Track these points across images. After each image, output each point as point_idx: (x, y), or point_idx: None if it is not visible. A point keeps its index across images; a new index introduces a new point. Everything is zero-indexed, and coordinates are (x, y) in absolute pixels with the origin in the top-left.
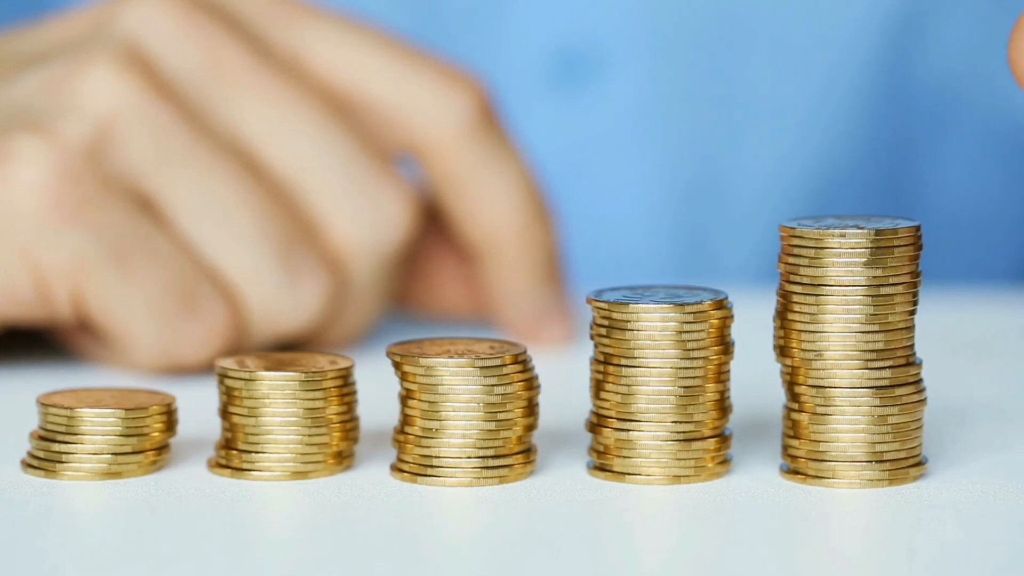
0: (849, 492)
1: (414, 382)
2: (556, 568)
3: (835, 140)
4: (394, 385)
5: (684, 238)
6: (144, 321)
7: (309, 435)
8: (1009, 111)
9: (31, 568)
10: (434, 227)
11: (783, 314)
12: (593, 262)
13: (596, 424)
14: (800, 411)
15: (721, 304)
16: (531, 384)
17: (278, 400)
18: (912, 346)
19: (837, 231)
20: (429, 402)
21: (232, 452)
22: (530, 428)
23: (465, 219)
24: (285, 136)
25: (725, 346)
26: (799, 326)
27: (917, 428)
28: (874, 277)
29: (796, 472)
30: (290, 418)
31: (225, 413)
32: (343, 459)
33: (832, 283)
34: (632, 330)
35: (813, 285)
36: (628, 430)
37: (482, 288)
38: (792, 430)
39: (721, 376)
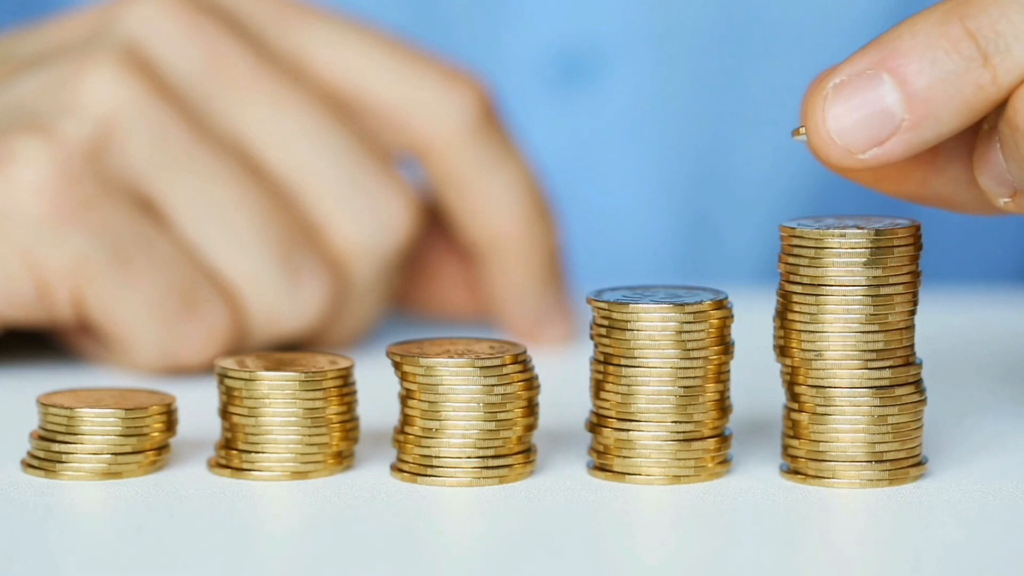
0: (849, 492)
1: (414, 382)
2: (556, 568)
3: None
4: (394, 385)
5: (685, 238)
6: (144, 322)
7: (309, 435)
8: None
9: (31, 568)
10: (435, 227)
11: (783, 314)
12: (594, 262)
13: (596, 424)
14: (800, 411)
15: (721, 304)
16: (531, 384)
17: (278, 400)
18: (912, 346)
19: (837, 231)
20: (429, 402)
21: (232, 452)
22: (530, 428)
23: (466, 219)
24: (286, 137)
25: (725, 346)
26: (799, 326)
27: (917, 428)
28: (874, 277)
29: (796, 472)
30: (290, 418)
31: (225, 413)
32: (343, 459)
33: (832, 283)
34: (632, 330)
35: (813, 285)
36: (628, 430)
37: (483, 288)
38: (792, 430)
39: (721, 376)
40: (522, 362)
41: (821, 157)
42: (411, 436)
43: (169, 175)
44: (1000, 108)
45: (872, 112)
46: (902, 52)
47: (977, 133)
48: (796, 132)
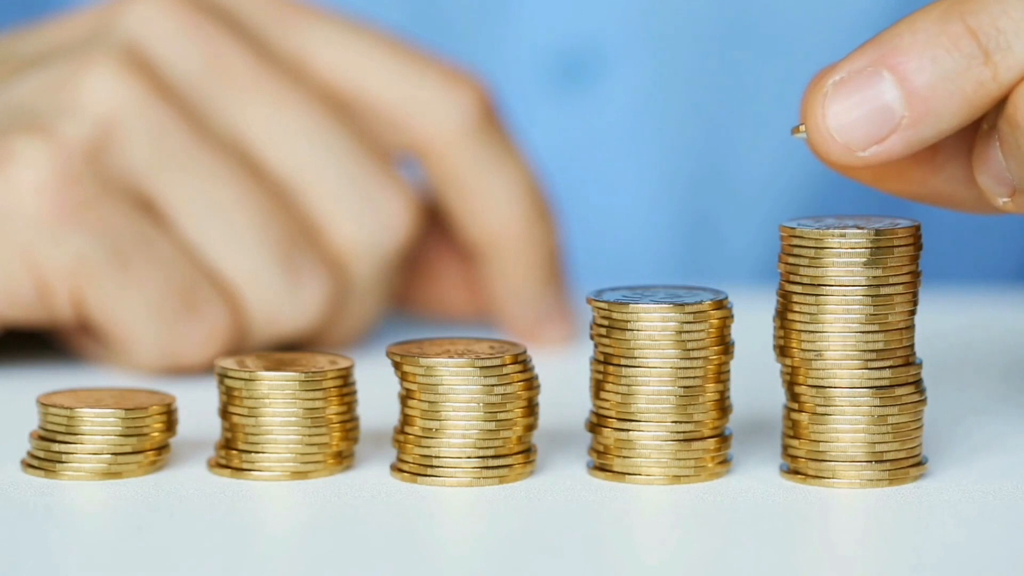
0: (849, 492)
1: (414, 382)
2: (556, 568)
3: None
4: (394, 385)
5: (685, 238)
6: (144, 322)
7: (309, 435)
8: None
9: (31, 568)
10: (435, 227)
11: (783, 314)
12: (594, 262)
13: (596, 424)
14: (800, 411)
15: (721, 304)
16: (531, 384)
17: (278, 400)
18: (912, 346)
19: (837, 231)
20: (429, 402)
21: (232, 452)
22: (530, 428)
23: (466, 219)
24: (286, 137)
25: (725, 346)
26: (799, 326)
27: (917, 428)
28: (874, 277)
29: (796, 472)
30: (290, 418)
31: (225, 413)
32: (343, 459)
33: (832, 283)
34: (632, 330)
35: (813, 285)
36: (628, 430)
37: (483, 288)
38: (792, 430)
39: (721, 376)
40: (522, 362)
41: (821, 155)
42: (411, 436)
43: (169, 175)
44: (1000, 106)
45: (872, 109)
46: (902, 49)
47: (977, 132)
48: (796, 130)
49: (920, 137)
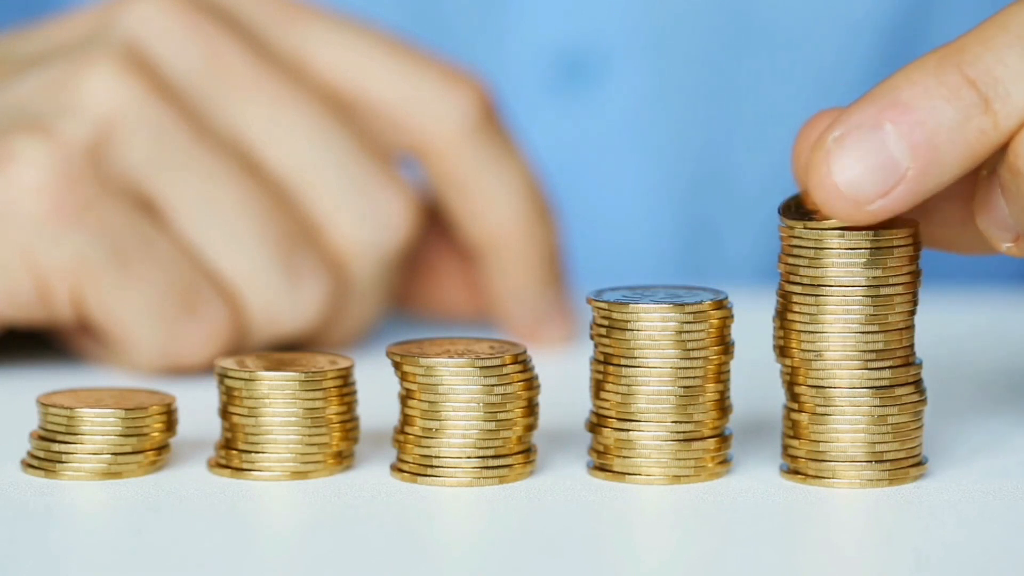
0: (849, 492)
1: (414, 382)
2: (556, 568)
3: None
4: (394, 385)
5: (685, 239)
6: (144, 322)
7: (309, 435)
8: None
9: (31, 568)
10: (435, 227)
11: (783, 314)
12: (594, 262)
13: (596, 424)
14: (800, 411)
15: (721, 304)
16: (531, 384)
17: (278, 400)
18: (912, 346)
19: (837, 231)
20: (429, 402)
21: (232, 452)
22: (530, 428)
23: (466, 219)
24: (286, 137)
25: (725, 346)
26: (799, 326)
27: (917, 428)
28: (874, 277)
29: (796, 472)
30: (290, 418)
31: (225, 413)
32: (343, 459)
33: (832, 283)
34: (632, 330)
35: (813, 285)
36: (628, 430)
37: (483, 288)
38: (792, 430)
39: (721, 376)
40: (522, 362)
41: (828, 211)
42: (411, 436)
43: (169, 175)
44: (1000, 153)
45: (877, 162)
46: (902, 102)
47: (973, 177)
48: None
49: (925, 188)
